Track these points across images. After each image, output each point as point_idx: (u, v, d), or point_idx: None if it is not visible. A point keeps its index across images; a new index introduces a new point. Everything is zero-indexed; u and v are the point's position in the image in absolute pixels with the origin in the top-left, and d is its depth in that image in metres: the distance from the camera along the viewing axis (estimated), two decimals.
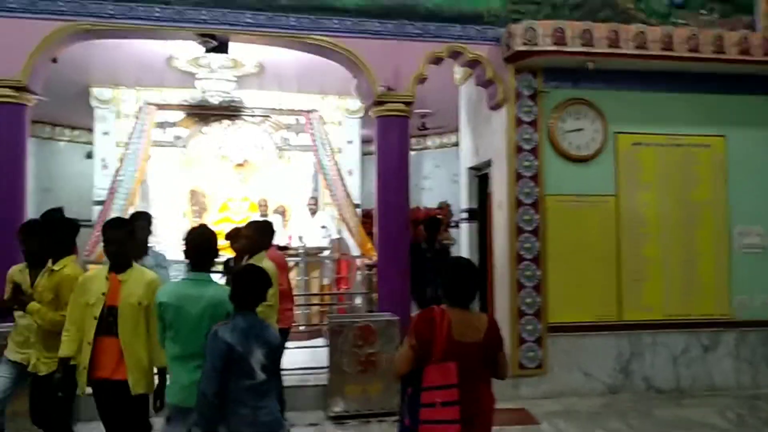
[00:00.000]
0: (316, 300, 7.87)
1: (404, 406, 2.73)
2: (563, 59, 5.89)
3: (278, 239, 8.91)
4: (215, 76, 7.41)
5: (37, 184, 11.35)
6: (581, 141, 6.14)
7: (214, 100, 7.83)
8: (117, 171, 8.57)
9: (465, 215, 7.40)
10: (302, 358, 6.05)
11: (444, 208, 12.18)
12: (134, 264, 3.46)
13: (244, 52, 7.30)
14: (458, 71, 7.32)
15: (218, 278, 3.90)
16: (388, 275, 5.88)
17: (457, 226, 11.98)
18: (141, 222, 4.79)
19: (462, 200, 7.49)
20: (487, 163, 6.68)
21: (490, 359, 2.70)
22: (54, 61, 5.68)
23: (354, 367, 5.22)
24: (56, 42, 5.43)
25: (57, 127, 11.39)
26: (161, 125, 9.14)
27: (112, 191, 8.50)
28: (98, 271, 3.45)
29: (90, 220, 8.72)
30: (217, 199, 10.50)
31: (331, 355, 5.29)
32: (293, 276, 7.94)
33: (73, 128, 11.37)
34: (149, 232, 4.95)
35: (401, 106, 5.93)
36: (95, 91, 8.83)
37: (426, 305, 5.08)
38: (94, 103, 8.85)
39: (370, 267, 6.04)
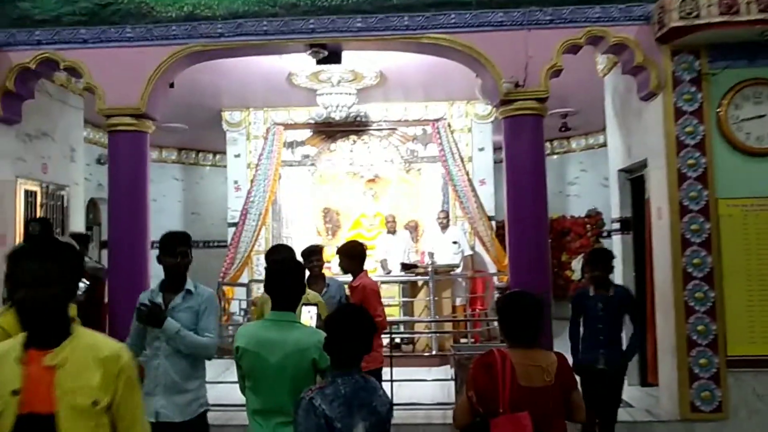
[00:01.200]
0: (446, 324, 7.24)
1: None
2: (735, 32, 4.78)
3: (411, 257, 8.52)
4: (336, 90, 7.12)
5: (185, 209, 12.00)
6: (763, 130, 4.96)
7: (337, 115, 7.57)
8: (249, 192, 8.62)
9: (617, 225, 6.38)
10: (431, 390, 5.46)
11: (594, 216, 11.00)
12: (78, 327, 1.81)
13: (364, 63, 6.96)
14: (601, 60, 6.37)
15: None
16: None
17: (609, 236, 10.79)
18: (174, 247, 3.10)
19: (613, 208, 6.48)
20: (642, 164, 5.68)
21: (564, 403, 2.43)
22: (171, 86, 5.67)
23: None
24: (171, 66, 5.39)
25: (201, 152, 11.94)
26: (290, 145, 9.10)
27: (244, 212, 8.55)
28: (5, 345, 1.80)
29: (225, 242, 8.87)
30: (351, 215, 10.37)
31: (457, 391, 4.65)
32: (422, 296, 7.41)
33: (215, 153, 11.83)
34: (186, 261, 3.13)
35: (533, 104, 5.17)
36: (226, 114, 8.99)
37: (591, 383, 4.07)
38: (225, 126, 9.01)
39: (502, 291, 5.28)
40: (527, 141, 5.22)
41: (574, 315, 4.40)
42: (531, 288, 5.18)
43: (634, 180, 6.17)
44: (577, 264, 10.98)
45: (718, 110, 4.98)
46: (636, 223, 6.18)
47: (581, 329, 4.36)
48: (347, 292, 4.70)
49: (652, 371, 5.53)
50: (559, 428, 2.40)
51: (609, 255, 4.52)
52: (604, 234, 10.90)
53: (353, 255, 4.46)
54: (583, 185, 11.30)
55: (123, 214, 5.33)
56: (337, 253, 4.56)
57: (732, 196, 4.94)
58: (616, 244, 6.45)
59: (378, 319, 4.03)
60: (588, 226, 11.00)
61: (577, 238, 11.03)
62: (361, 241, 4.93)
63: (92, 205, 9.39)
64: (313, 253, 4.70)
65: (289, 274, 2.69)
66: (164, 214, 11.80)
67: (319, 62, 5.54)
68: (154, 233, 11.24)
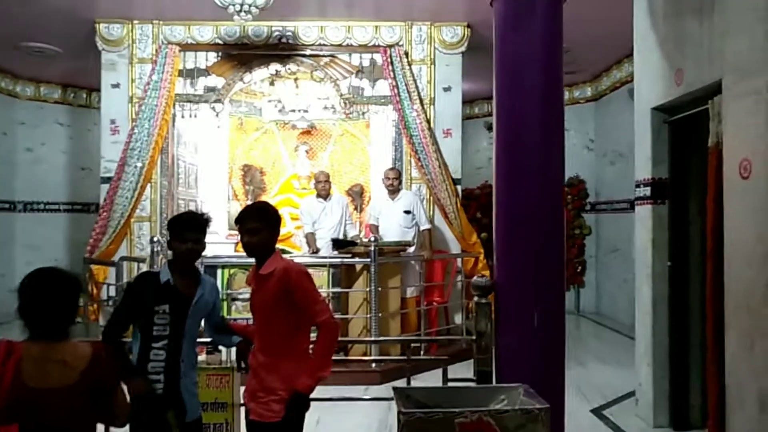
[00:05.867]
0: (392, 324, 5.14)
1: None
2: None
3: (348, 232, 6.35)
4: None
5: (71, 162, 9.49)
6: None
7: (250, 28, 5.29)
8: (129, 135, 6.28)
9: (646, 191, 4.36)
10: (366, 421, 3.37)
11: (576, 185, 9.12)
12: None
13: None
14: None
15: None
16: (518, 306, 3.01)
17: (593, 209, 8.98)
18: None
19: (639, 164, 4.46)
20: (701, 95, 3.65)
21: (96, 406, 1.94)
22: None
23: None
24: None
25: (93, 91, 9.39)
26: (189, 73, 6.68)
27: (121, 163, 6.23)
28: None
29: (96, 205, 6.52)
30: (279, 176, 8.34)
31: None
32: (360, 284, 5.30)
33: None
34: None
35: None
36: (102, 28, 6.51)
37: None
38: (100, 44, 6.54)
39: (482, 291, 3.09)
40: (537, 38, 3.08)
41: None
42: (531, 288, 3.18)
43: (676, 123, 4.17)
44: None
45: None
46: (675, 188, 4.20)
47: None
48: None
49: (714, 417, 3.56)
50: None
51: None
52: (587, 207, 9.11)
53: (275, 222, 2.60)
54: (565, 148, 9.35)
55: None
56: (251, 217, 2.54)
57: None
58: (641, 218, 4.45)
59: (324, 317, 2.48)
60: (569, 197, 9.11)
61: None
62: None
63: None
64: (191, 225, 2.58)
65: None
66: (44, 167, 9.34)
67: None
68: (29, 191, 8.88)
